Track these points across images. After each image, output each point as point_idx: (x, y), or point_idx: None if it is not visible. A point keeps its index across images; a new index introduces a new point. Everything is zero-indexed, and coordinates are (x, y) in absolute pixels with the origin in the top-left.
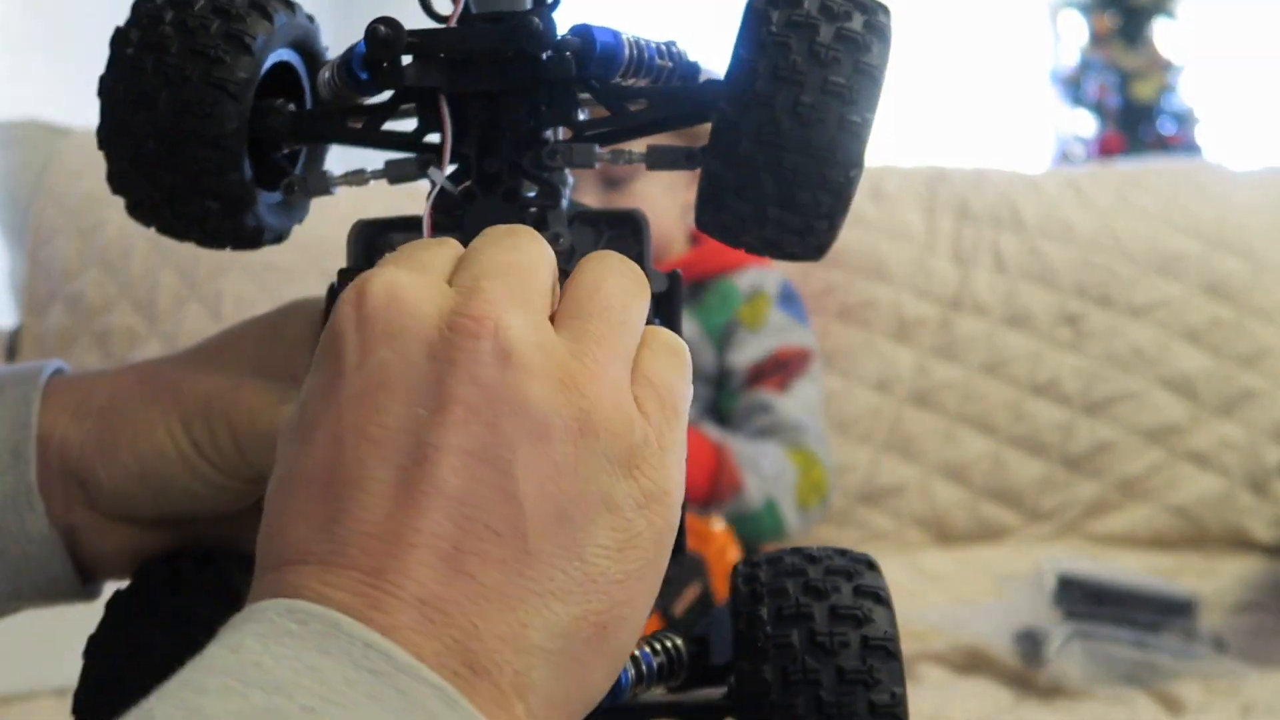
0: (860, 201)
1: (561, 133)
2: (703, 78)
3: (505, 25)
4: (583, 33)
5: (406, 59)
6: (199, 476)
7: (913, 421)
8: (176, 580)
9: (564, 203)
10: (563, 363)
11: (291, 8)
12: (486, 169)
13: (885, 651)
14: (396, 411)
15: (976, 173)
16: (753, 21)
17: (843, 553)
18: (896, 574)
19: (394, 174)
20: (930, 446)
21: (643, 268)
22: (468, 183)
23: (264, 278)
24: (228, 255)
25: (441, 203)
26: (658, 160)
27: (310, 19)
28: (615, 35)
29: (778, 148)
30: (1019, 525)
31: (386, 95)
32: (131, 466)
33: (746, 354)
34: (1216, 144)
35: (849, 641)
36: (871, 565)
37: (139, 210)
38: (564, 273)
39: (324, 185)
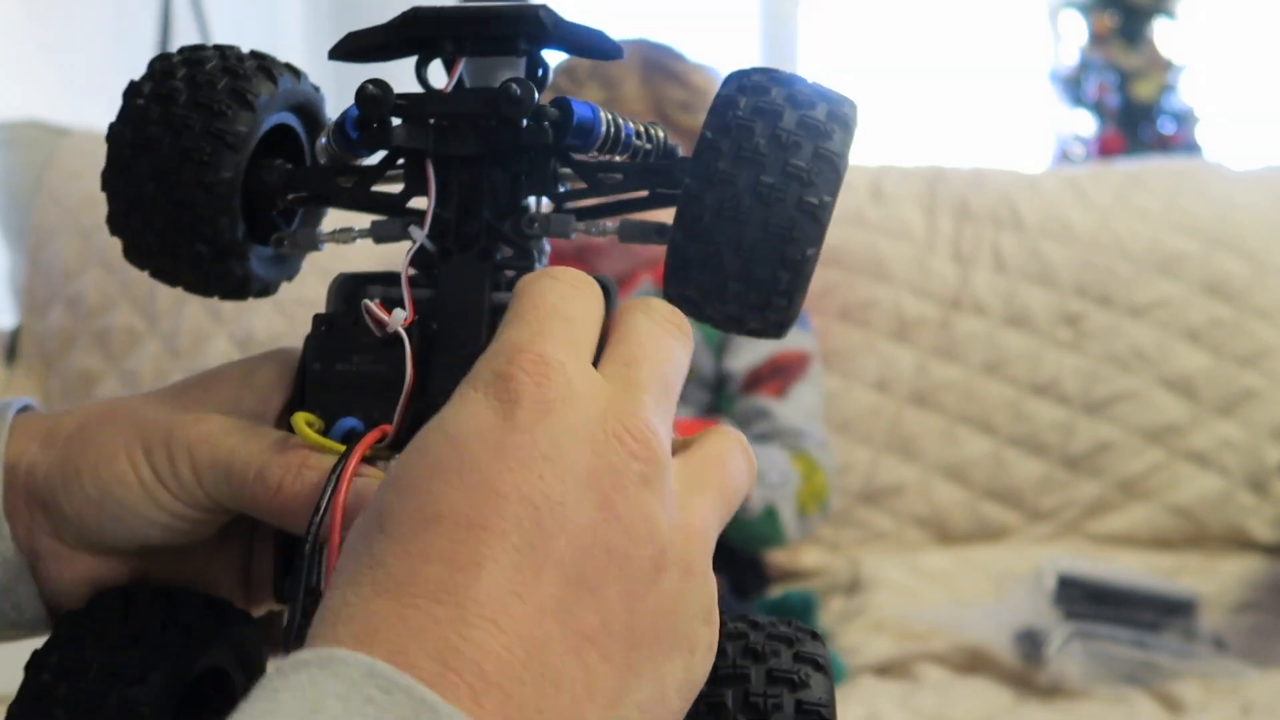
0: (860, 201)
1: (545, 204)
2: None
3: (489, 92)
4: (562, 105)
5: (396, 121)
6: (156, 504)
7: (913, 421)
8: (128, 608)
9: (538, 266)
10: (684, 503)
11: (296, 74)
12: (465, 230)
13: (819, 717)
14: (557, 490)
15: (976, 172)
16: (721, 105)
17: (788, 623)
18: (896, 574)
19: (379, 234)
20: (930, 446)
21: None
22: (446, 243)
23: None
24: None
25: (419, 259)
26: (629, 233)
27: (316, 89)
28: (593, 110)
29: (739, 224)
30: (1019, 525)
31: (376, 159)
32: (92, 492)
33: (744, 359)
34: (1217, 144)
35: (783, 705)
36: (815, 636)
37: (134, 252)
38: None
39: (313, 242)
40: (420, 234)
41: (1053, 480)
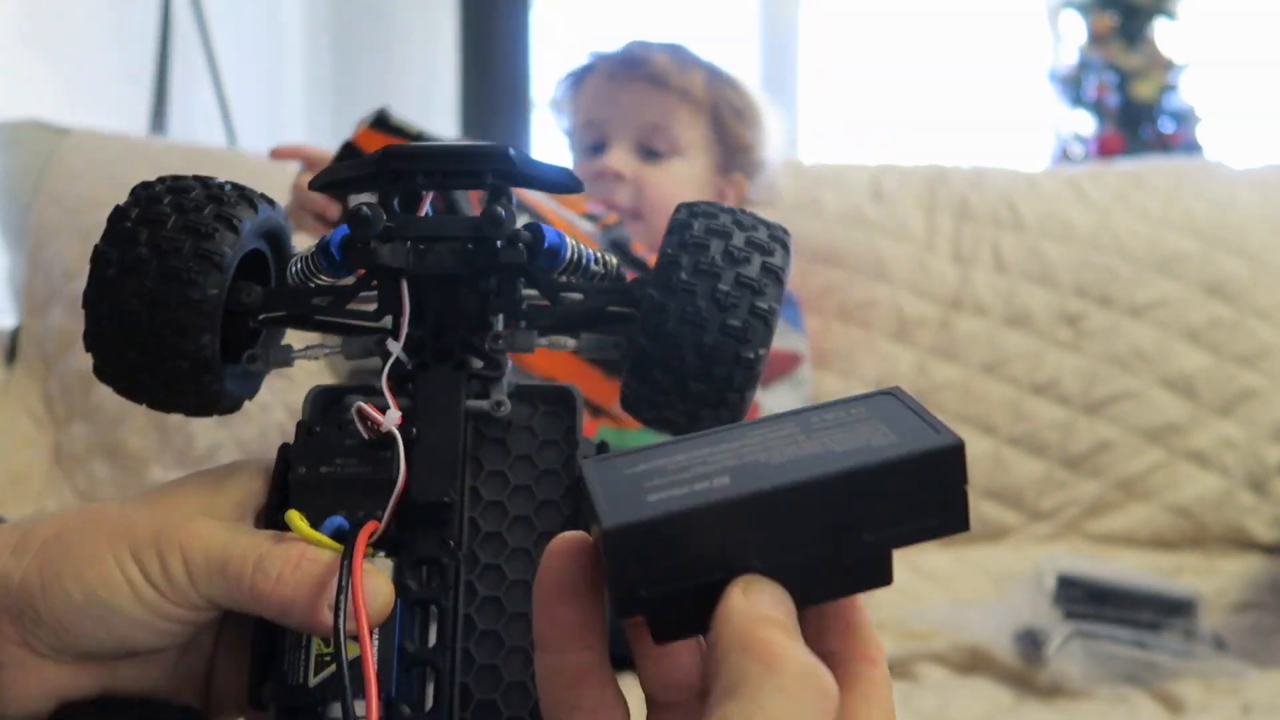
0: (860, 201)
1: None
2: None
3: (469, 218)
4: (534, 229)
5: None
6: (144, 604)
7: None
8: (99, 717)
9: (507, 377)
10: None
11: (271, 204)
12: (439, 344)
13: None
14: None
15: (976, 172)
16: (679, 228)
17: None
18: (896, 574)
19: (350, 350)
20: None
21: (574, 438)
22: (421, 356)
23: None
24: None
25: (396, 371)
26: (587, 347)
27: (286, 218)
28: (560, 236)
29: (699, 327)
30: (1019, 525)
31: (351, 280)
32: (76, 596)
33: None
34: (1217, 143)
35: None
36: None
37: (105, 370)
38: (497, 440)
39: (285, 358)
40: (397, 347)
41: (1053, 480)
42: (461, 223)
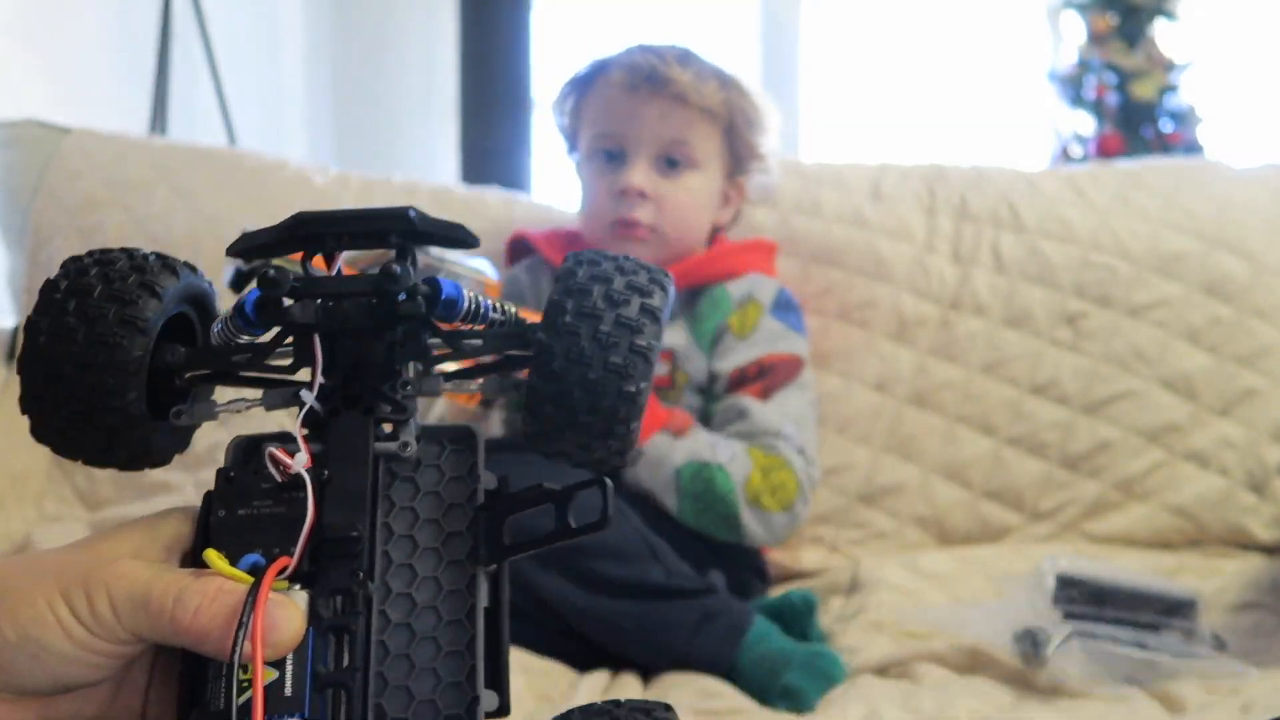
0: (860, 201)
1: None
2: None
3: (370, 277)
4: (431, 283)
5: (288, 302)
6: (74, 640)
7: (912, 421)
8: None
9: (414, 420)
10: None
11: (194, 270)
12: (349, 392)
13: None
14: None
15: (976, 172)
16: (564, 275)
17: (647, 708)
18: (897, 574)
19: (270, 402)
20: (930, 446)
21: (477, 473)
22: (333, 403)
23: None
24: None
25: (309, 418)
26: (489, 389)
27: (210, 283)
28: (457, 288)
29: (584, 365)
30: (1019, 525)
31: (268, 337)
32: (10, 635)
33: (731, 360)
34: (1218, 143)
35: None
36: (668, 709)
37: (42, 430)
38: (408, 478)
39: (210, 413)
40: (310, 397)
41: (1052, 480)
42: (364, 280)
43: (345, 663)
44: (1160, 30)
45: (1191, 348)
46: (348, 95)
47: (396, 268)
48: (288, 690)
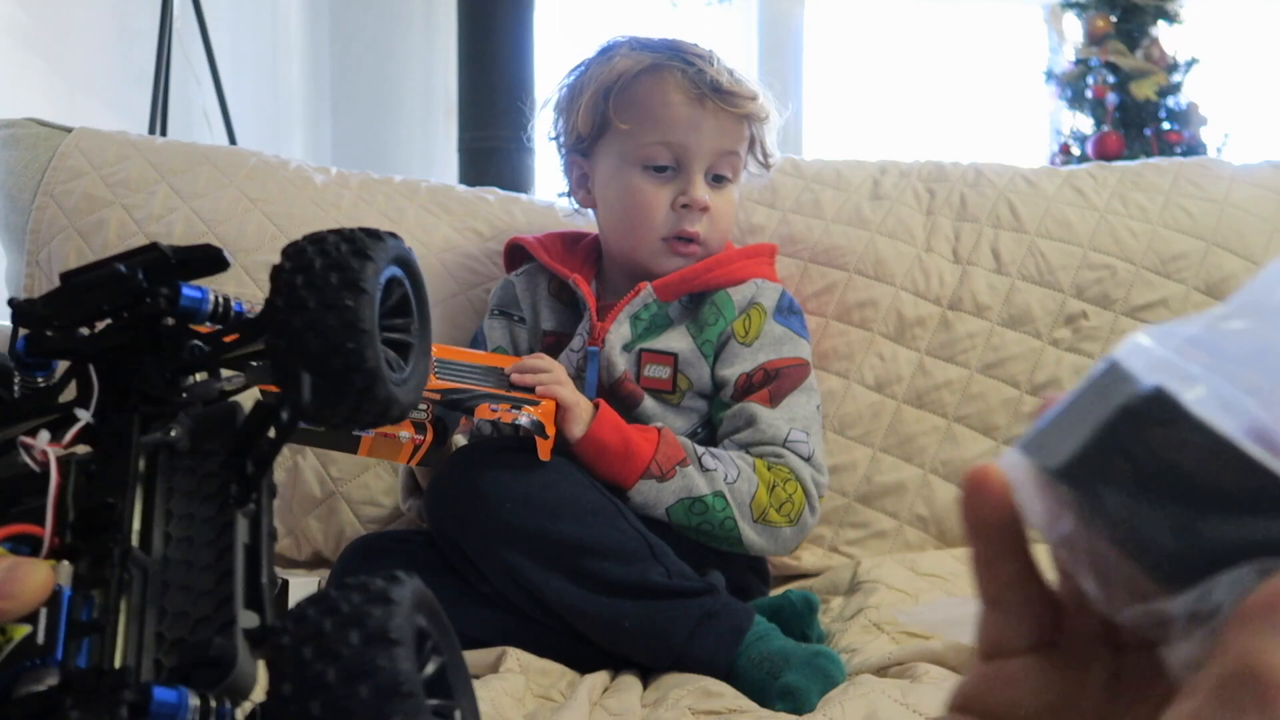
0: (860, 201)
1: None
2: None
3: (106, 288)
4: (171, 285)
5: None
6: None
7: (912, 421)
8: None
9: (184, 414)
10: None
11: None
12: (117, 398)
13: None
14: None
15: (975, 172)
16: (283, 267)
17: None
18: (897, 574)
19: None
20: (930, 446)
21: (232, 439)
22: (105, 411)
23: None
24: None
25: (84, 431)
26: (257, 377)
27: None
28: (202, 291)
29: (310, 313)
30: None
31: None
32: None
33: (737, 366)
34: (1217, 143)
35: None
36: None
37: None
38: (185, 467)
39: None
40: (86, 414)
41: None
42: (101, 295)
43: (97, 614)
44: (1160, 30)
45: None
46: (348, 95)
47: (121, 268)
48: (40, 639)
